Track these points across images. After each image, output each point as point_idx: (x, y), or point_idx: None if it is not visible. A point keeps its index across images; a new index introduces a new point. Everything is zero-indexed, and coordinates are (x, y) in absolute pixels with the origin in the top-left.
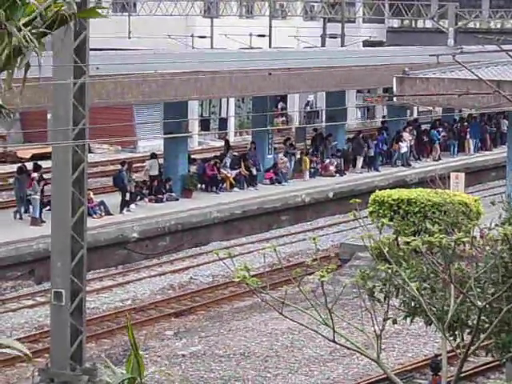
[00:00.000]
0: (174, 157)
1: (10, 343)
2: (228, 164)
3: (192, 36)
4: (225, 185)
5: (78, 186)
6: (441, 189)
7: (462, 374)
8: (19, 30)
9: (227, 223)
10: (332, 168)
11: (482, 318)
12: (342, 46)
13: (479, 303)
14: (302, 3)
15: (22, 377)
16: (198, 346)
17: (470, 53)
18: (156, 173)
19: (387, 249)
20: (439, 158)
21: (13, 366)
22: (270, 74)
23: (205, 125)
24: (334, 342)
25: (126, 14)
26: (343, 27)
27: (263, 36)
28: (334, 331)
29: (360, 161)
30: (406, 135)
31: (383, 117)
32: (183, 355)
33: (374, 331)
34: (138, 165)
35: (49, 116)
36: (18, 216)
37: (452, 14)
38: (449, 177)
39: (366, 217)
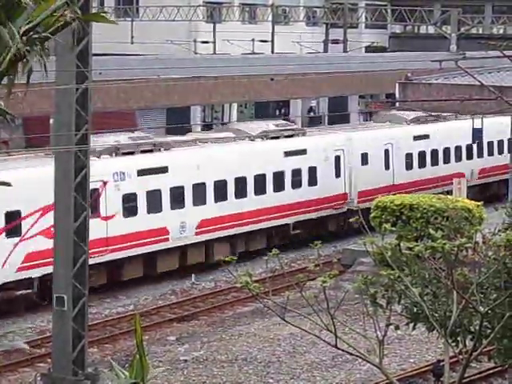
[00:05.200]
0: None
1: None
2: None
3: (195, 41)
4: None
5: (81, 191)
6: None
7: (465, 380)
8: (19, 35)
9: None
10: None
11: (485, 323)
12: (344, 52)
13: (482, 309)
14: (305, 9)
15: (24, 381)
16: (200, 351)
17: (473, 58)
18: None
19: (390, 254)
20: None
21: (15, 371)
22: (273, 79)
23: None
24: (336, 347)
25: (129, 19)
26: (346, 33)
27: (266, 41)
28: (337, 337)
29: None
30: None
31: None
32: (185, 360)
33: (377, 337)
34: None
35: (51, 121)
36: None
37: (455, 19)
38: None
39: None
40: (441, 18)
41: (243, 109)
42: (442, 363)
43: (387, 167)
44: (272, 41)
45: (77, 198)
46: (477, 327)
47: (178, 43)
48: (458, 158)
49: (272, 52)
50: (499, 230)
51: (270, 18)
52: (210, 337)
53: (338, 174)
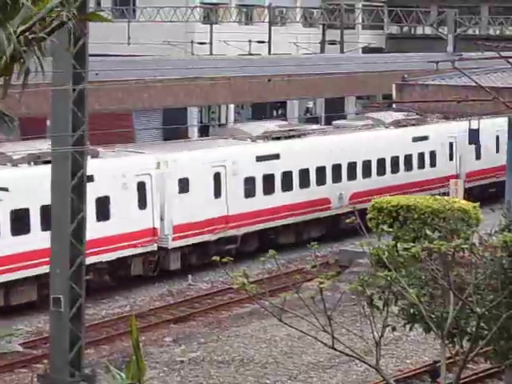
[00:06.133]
0: None
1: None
2: None
3: (191, 42)
4: None
5: (77, 192)
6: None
7: (461, 381)
8: (15, 35)
9: None
10: None
11: (481, 324)
12: (341, 53)
13: (478, 310)
14: (302, 10)
15: (21, 383)
16: (196, 353)
17: (470, 59)
18: None
19: (386, 255)
20: None
21: (11, 372)
22: (270, 80)
23: (204, 131)
24: (333, 348)
25: (126, 20)
26: (342, 34)
27: (263, 42)
28: (334, 338)
29: None
30: None
31: None
32: (182, 361)
33: (373, 338)
34: None
35: (48, 122)
36: None
37: (451, 20)
38: None
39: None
40: (437, 18)
41: (240, 109)
42: (438, 364)
43: (218, 195)
44: (269, 42)
45: (73, 199)
46: (473, 328)
47: (174, 44)
48: (321, 182)
49: (269, 53)
50: (496, 231)
51: (267, 19)
52: (207, 338)
53: (142, 206)
